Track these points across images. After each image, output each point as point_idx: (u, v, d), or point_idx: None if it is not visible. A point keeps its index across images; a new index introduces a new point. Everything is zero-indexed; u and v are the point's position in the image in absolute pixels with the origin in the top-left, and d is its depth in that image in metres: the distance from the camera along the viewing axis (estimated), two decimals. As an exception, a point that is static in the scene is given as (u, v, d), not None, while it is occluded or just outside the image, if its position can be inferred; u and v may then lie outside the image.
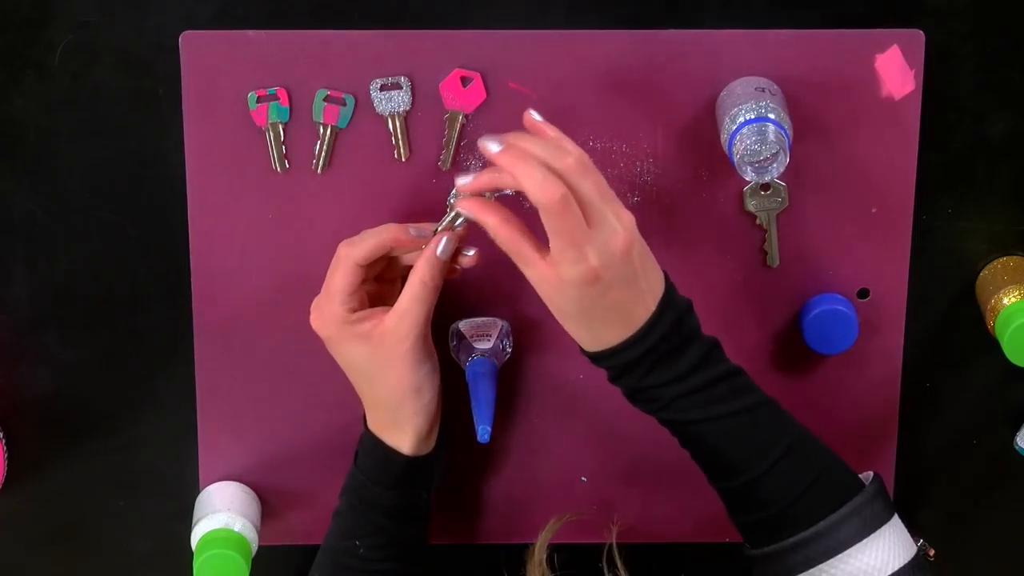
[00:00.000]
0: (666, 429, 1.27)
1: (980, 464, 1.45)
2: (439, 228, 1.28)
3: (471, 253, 1.29)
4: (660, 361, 1.24)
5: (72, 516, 1.43)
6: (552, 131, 1.22)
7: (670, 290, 1.24)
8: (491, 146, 1.20)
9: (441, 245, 1.27)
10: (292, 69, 1.32)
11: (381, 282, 1.32)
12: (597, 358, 1.25)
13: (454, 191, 1.27)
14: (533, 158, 1.19)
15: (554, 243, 1.19)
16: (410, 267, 1.28)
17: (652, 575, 1.36)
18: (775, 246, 1.37)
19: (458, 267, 1.29)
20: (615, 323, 1.23)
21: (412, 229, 1.29)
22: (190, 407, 1.40)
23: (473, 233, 1.28)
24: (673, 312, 1.23)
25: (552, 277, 1.20)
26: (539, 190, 1.17)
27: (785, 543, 1.25)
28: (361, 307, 1.29)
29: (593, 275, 1.19)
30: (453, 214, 1.27)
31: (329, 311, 1.29)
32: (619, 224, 1.20)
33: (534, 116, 1.22)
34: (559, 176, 1.18)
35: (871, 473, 1.28)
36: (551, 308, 1.23)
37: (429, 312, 1.28)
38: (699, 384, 1.24)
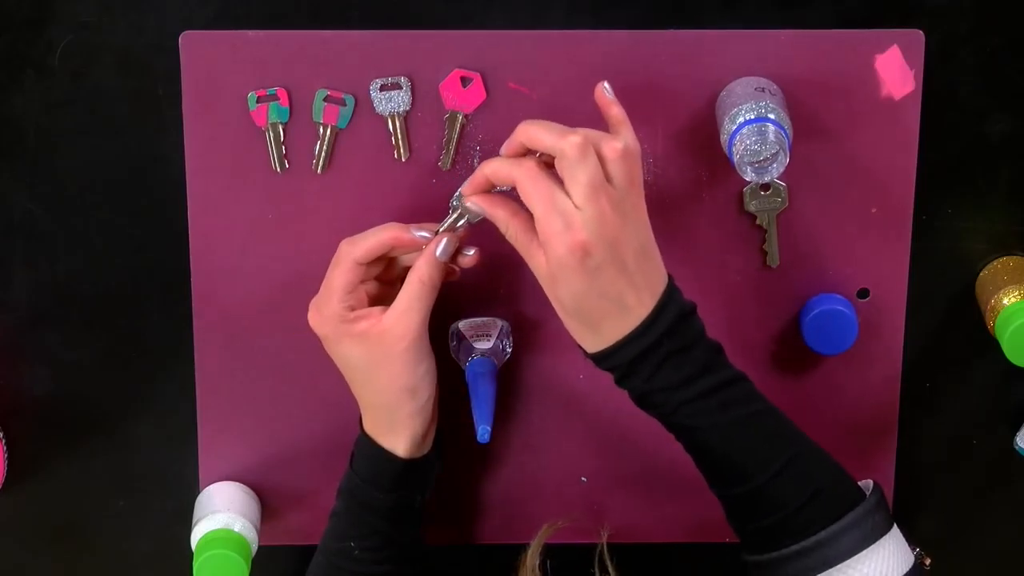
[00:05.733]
0: (671, 433, 1.27)
1: (980, 464, 1.45)
2: (441, 229, 1.28)
3: (471, 253, 1.29)
4: (665, 362, 1.24)
5: (72, 516, 1.43)
6: (616, 110, 1.24)
7: (672, 291, 1.24)
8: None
9: (442, 246, 1.27)
10: (292, 69, 1.32)
11: (381, 283, 1.32)
12: (600, 358, 1.25)
13: (458, 193, 1.27)
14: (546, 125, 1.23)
15: (536, 212, 1.21)
16: (409, 268, 1.29)
17: (646, 576, 1.36)
18: (775, 246, 1.37)
19: (457, 268, 1.29)
20: (612, 315, 1.23)
21: (414, 229, 1.29)
22: (190, 407, 1.40)
23: (473, 234, 1.28)
24: (675, 311, 1.23)
25: (548, 264, 1.22)
26: (558, 140, 1.21)
27: (785, 552, 1.25)
28: (360, 306, 1.29)
29: (582, 251, 1.20)
30: (456, 215, 1.27)
31: (327, 309, 1.29)
32: (615, 213, 1.20)
33: (605, 91, 1.25)
34: (557, 154, 1.21)
35: (870, 482, 1.28)
36: (554, 305, 1.24)
37: (427, 312, 1.28)
38: (706, 389, 1.24)
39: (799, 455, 1.26)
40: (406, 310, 1.27)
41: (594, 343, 1.25)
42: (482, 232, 1.30)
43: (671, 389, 1.24)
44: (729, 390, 1.25)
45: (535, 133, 1.22)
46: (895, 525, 1.27)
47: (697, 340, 1.25)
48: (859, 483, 1.28)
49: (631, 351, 1.23)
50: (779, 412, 1.27)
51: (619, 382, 1.26)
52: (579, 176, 1.20)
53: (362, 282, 1.30)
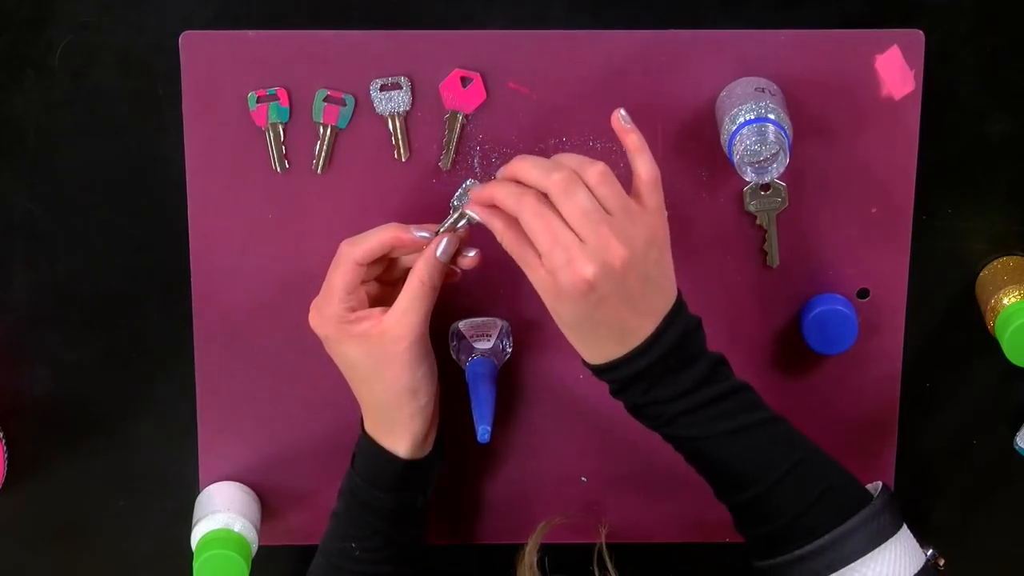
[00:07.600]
0: (668, 443, 1.27)
1: (980, 464, 1.45)
2: (441, 229, 1.28)
3: (471, 254, 1.29)
4: (660, 379, 1.24)
5: (72, 516, 1.43)
6: (633, 138, 1.24)
7: (678, 309, 1.24)
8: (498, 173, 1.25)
9: (442, 246, 1.27)
10: (292, 69, 1.32)
11: (381, 284, 1.32)
12: (597, 371, 1.25)
13: (459, 192, 1.28)
14: (510, 183, 1.22)
15: (541, 248, 1.21)
16: (410, 269, 1.29)
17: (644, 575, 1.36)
18: (775, 246, 1.37)
19: (458, 269, 1.29)
20: (612, 339, 1.23)
21: (414, 229, 1.29)
22: (190, 407, 1.40)
23: (474, 235, 1.28)
24: (675, 332, 1.23)
25: (550, 283, 1.21)
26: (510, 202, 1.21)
27: (791, 555, 1.25)
28: (360, 307, 1.29)
29: (586, 285, 1.20)
30: (456, 216, 1.27)
31: (328, 310, 1.29)
32: (619, 242, 1.20)
33: (622, 119, 1.24)
34: (546, 192, 1.20)
35: (879, 484, 1.28)
36: (552, 315, 1.24)
37: (427, 313, 1.28)
38: (701, 401, 1.24)
39: (802, 461, 1.26)
40: (406, 311, 1.27)
41: (591, 357, 1.25)
42: (483, 233, 1.30)
43: (664, 402, 1.24)
44: (726, 401, 1.25)
45: (523, 171, 1.22)
46: (904, 526, 1.26)
47: (696, 356, 1.25)
48: (868, 485, 1.28)
49: (627, 371, 1.24)
50: (783, 421, 1.27)
51: (615, 394, 1.26)
52: (571, 210, 1.20)
53: (363, 283, 1.30)
